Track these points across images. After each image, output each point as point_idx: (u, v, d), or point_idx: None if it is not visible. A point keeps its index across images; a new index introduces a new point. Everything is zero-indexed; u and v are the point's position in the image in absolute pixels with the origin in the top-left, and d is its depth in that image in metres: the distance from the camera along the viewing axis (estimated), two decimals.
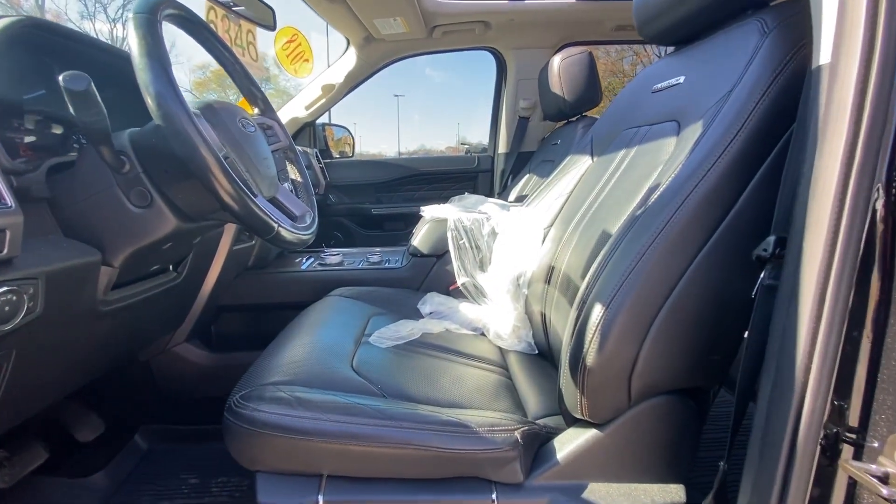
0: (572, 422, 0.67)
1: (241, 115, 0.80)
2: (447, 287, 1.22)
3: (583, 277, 0.72)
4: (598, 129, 1.05)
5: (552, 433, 0.68)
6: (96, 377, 0.94)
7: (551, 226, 1.04)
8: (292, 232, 0.77)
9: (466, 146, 2.58)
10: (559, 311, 0.84)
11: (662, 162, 0.71)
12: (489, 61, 2.29)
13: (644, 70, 0.99)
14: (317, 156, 2.17)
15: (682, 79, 0.79)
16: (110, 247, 0.70)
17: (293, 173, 1.01)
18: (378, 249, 1.51)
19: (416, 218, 2.51)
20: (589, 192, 0.91)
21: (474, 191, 2.41)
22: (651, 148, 0.78)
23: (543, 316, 0.92)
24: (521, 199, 1.93)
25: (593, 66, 1.70)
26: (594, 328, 0.56)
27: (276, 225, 0.70)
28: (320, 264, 1.30)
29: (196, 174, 0.62)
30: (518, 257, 1.07)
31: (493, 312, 1.11)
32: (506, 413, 0.69)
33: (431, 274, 1.26)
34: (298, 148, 2.19)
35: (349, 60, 2.04)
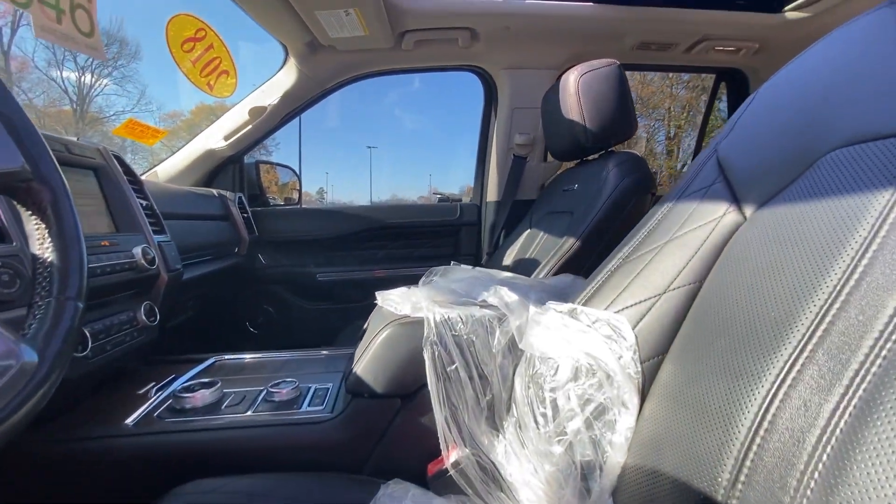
0: None
1: None
2: (422, 466, 0.60)
3: None
4: (737, 154, 0.51)
5: None
6: None
7: (665, 354, 0.47)
8: None
9: (438, 195, 2.02)
10: None
11: None
12: (466, 95, 1.82)
13: (863, 17, 0.46)
14: (240, 202, 1.57)
15: None
16: None
17: (39, 243, 0.41)
18: (297, 359, 0.88)
19: (374, 285, 1.87)
20: (801, 290, 0.35)
21: (456, 250, 1.85)
22: None
23: None
24: (525, 265, 1.38)
25: (625, 82, 1.23)
26: None
27: None
28: (171, 411, 0.67)
29: None
30: (583, 414, 0.48)
31: None
32: None
33: (389, 436, 0.64)
34: (213, 191, 1.60)
35: (287, 76, 1.51)
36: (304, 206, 2.01)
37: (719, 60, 1.67)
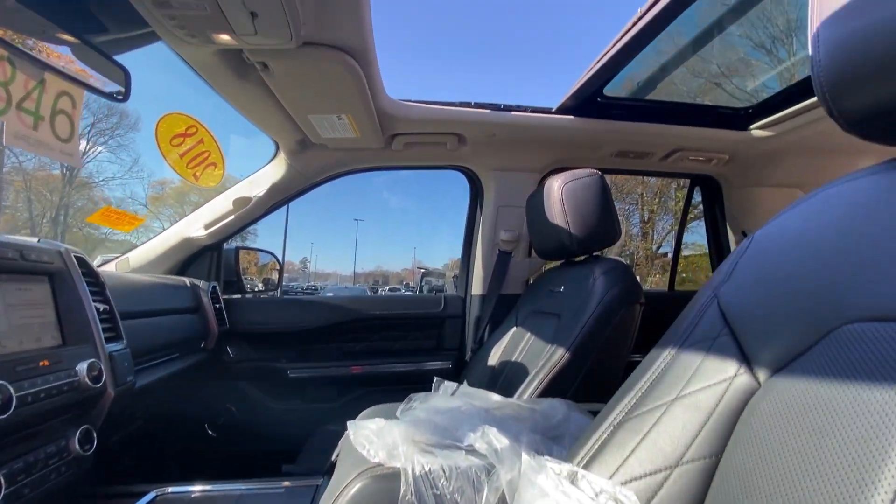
0: None
1: None
2: None
3: None
4: (741, 306, 0.49)
5: None
6: None
7: None
8: None
9: (422, 269, 1.99)
10: None
11: None
12: (453, 181, 1.87)
13: None
14: (213, 292, 1.50)
15: None
16: None
17: None
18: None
19: (350, 383, 1.76)
20: None
21: (439, 344, 1.77)
22: None
23: None
24: (512, 370, 1.30)
25: (607, 191, 1.26)
26: None
27: None
28: None
29: None
30: None
31: None
32: None
33: None
34: (185, 281, 1.52)
35: (276, 169, 1.52)
36: (282, 290, 1.94)
37: (693, 168, 1.76)
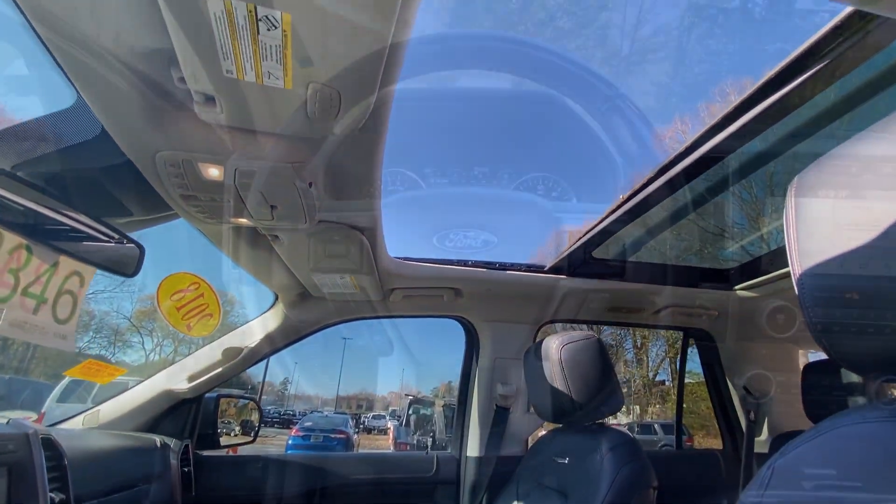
0: None
1: None
2: None
3: None
4: None
5: None
6: None
7: None
8: None
9: (410, 396, 1.87)
10: None
11: None
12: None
13: None
14: (184, 452, 1.37)
15: None
16: None
17: None
18: None
19: None
20: None
21: None
22: None
23: None
24: None
25: (606, 354, 1.25)
26: None
27: None
28: None
29: None
30: None
31: None
32: None
33: None
34: (155, 441, 1.40)
35: (273, 319, 1.51)
36: (258, 445, 1.78)
37: (685, 322, 1.79)
